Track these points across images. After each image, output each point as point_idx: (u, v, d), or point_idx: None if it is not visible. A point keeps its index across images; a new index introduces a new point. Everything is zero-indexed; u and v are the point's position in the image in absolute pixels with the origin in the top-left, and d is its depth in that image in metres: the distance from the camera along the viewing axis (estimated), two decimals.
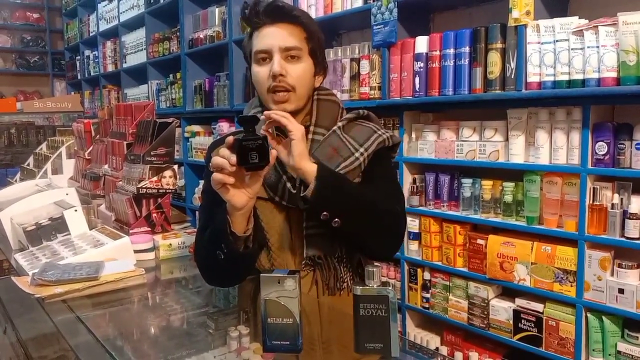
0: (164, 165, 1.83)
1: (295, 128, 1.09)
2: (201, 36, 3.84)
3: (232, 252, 1.12)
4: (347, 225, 1.12)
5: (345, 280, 1.27)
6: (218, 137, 1.17)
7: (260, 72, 1.23)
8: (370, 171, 1.27)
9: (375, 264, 0.97)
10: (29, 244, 1.78)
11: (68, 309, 1.33)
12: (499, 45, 2.12)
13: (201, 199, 1.40)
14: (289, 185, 1.21)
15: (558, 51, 1.95)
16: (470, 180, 2.32)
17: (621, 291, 1.89)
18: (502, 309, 2.25)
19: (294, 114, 1.24)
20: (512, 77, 2.07)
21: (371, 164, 1.27)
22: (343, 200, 1.14)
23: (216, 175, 1.03)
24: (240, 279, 1.27)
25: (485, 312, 2.30)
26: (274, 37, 1.21)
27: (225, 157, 1.01)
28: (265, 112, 1.12)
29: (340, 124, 1.28)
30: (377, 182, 1.26)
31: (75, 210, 1.84)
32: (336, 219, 1.11)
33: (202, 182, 3.98)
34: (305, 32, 1.24)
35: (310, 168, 1.10)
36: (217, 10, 3.70)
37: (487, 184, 2.26)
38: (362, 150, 1.25)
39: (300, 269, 1.24)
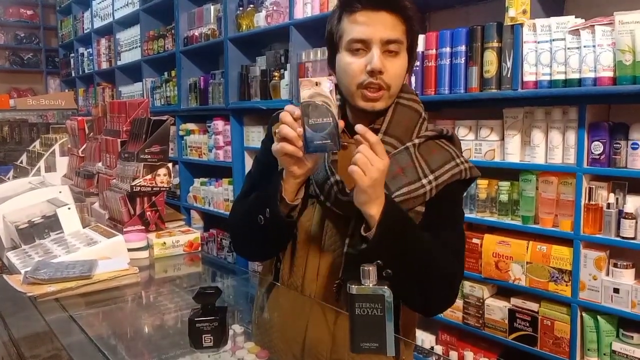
0: (158, 163, 1.82)
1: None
2: (196, 34, 3.82)
3: (274, 217, 1.06)
4: (399, 278, 0.99)
5: None
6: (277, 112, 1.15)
7: (354, 64, 1.09)
8: (437, 207, 1.12)
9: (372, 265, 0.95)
10: (21, 242, 1.77)
11: (61, 307, 1.32)
12: (495, 44, 2.12)
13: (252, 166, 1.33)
14: (335, 189, 1.10)
15: (554, 50, 1.95)
16: None
17: (616, 291, 1.90)
18: (497, 309, 2.25)
19: (373, 113, 1.14)
20: (508, 76, 2.07)
21: (440, 198, 1.11)
22: (404, 248, 1.01)
23: (286, 147, 0.99)
24: (268, 253, 1.23)
25: (481, 312, 2.30)
26: (375, 26, 1.06)
27: (291, 126, 0.99)
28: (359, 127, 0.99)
29: (417, 141, 1.14)
30: (441, 229, 1.11)
31: (69, 208, 1.82)
32: (389, 270, 0.99)
33: (196, 180, 3.98)
34: (406, 24, 1.10)
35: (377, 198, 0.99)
36: (212, 7, 3.68)
37: (482, 183, 2.26)
38: (431, 177, 1.10)
39: (336, 283, 1.13)
